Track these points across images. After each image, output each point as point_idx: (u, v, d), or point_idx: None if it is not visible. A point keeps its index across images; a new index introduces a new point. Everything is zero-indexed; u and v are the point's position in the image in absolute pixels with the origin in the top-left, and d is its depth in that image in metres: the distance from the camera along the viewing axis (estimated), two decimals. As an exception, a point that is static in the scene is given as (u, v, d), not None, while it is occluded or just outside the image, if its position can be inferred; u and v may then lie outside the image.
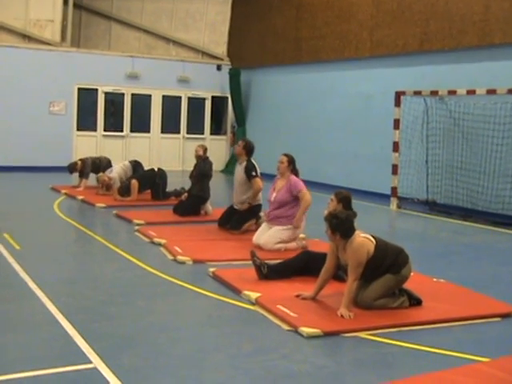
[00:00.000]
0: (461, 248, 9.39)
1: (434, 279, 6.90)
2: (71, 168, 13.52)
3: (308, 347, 4.91)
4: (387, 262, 5.70)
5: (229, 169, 19.16)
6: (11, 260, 7.22)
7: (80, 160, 13.63)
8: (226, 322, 5.52)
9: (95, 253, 8.25)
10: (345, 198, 6.65)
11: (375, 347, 4.95)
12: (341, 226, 5.65)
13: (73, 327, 5.09)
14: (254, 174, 9.05)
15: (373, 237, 5.77)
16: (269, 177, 17.26)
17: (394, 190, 12.90)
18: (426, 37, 13.09)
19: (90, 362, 4.40)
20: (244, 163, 9.19)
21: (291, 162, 8.39)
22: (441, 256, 8.76)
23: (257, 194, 9.08)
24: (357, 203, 12.88)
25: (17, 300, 5.86)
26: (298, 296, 5.93)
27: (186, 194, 10.64)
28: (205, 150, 10.94)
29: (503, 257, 8.79)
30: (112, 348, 4.71)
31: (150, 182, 11.99)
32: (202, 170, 10.49)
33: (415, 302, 5.85)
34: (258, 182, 9.03)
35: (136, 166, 12.61)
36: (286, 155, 8.46)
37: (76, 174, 13.63)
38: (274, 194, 8.31)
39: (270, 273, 6.52)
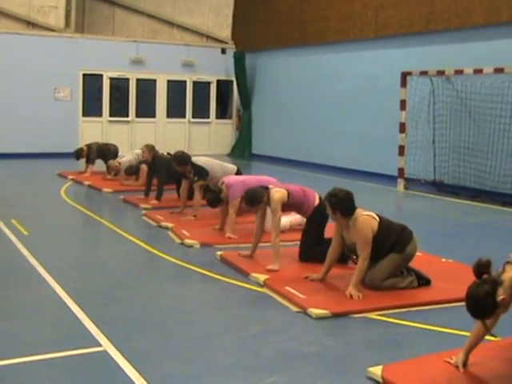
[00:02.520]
0: (469, 228, 9.36)
1: (443, 259, 6.88)
2: (77, 154, 13.53)
3: (317, 328, 4.91)
4: (391, 239, 5.68)
5: (234, 152, 19.17)
6: (19, 245, 7.24)
7: (86, 146, 13.63)
8: (235, 304, 5.52)
9: (103, 237, 8.27)
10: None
11: (384, 327, 4.95)
12: (340, 204, 5.62)
13: (82, 311, 5.10)
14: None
15: (376, 214, 5.75)
16: (274, 159, 17.35)
17: (400, 171, 12.86)
18: (431, 16, 12.97)
19: (100, 346, 4.42)
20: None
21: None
22: (449, 236, 8.73)
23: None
24: (364, 185, 13.08)
25: (26, 285, 5.88)
26: (306, 278, 5.94)
27: None
28: (149, 149, 10.72)
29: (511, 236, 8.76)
30: (121, 331, 4.72)
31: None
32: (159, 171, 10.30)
33: (424, 281, 5.84)
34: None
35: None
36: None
37: (83, 160, 13.63)
38: None
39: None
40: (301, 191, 6.84)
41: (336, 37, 15.60)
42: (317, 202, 6.79)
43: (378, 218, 5.68)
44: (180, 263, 6.72)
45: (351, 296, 5.40)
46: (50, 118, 17.18)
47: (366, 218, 5.63)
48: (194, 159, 9.22)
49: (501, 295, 3.69)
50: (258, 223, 6.74)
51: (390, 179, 13.16)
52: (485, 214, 10.47)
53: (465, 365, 4.00)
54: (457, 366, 4.00)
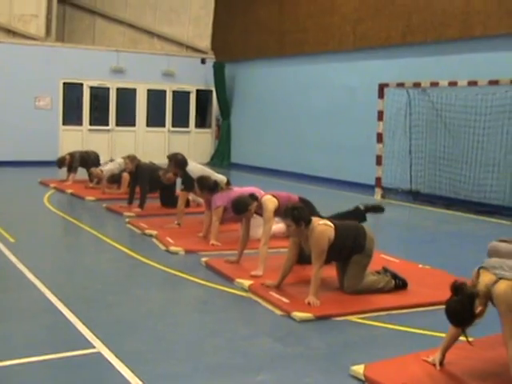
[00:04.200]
0: (445, 236, 9.65)
1: (420, 265, 7.14)
2: (60, 162, 13.63)
3: (301, 330, 5.13)
4: (349, 242, 5.90)
5: (214, 161, 19.36)
6: (7, 252, 7.36)
7: (69, 154, 13.73)
8: (221, 308, 5.72)
9: (89, 244, 8.41)
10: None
11: (365, 329, 5.19)
12: (303, 214, 5.79)
13: (73, 315, 5.26)
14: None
15: (330, 221, 5.98)
16: (253, 169, 17.58)
17: (378, 180, 13.16)
18: (408, 29, 13.33)
19: (94, 347, 4.59)
20: None
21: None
22: (425, 243, 9.01)
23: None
24: (342, 193, 13.36)
25: (17, 290, 6.02)
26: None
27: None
28: (131, 160, 10.85)
29: (485, 244, 9.02)
30: (113, 334, 4.89)
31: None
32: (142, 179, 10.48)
33: (400, 282, 6.10)
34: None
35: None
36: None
37: (64, 169, 13.72)
38: None
39: None
40: (286, 196, 7.09)
41: (314, 48, 15.91)
42: None
43: (332, 225, 5.89)
44: (166, 269, 6.89)
45: (309, 304, 5.52)
46: (31, 127, 17.23)
47: (323, 228, 5.79)
48: (190, 167, 9.38)
49: (478, 307, 3.93)
50: (244, 231, 6.95)
51: (368, 188, 13.44)
52: (460, 222, 10.79)
53: (441, 363, 4.25)
54: (434, 365, 4.24)
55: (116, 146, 18.37)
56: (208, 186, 8.22)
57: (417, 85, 12.47)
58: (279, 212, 6.80)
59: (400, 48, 13.62)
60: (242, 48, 18.60)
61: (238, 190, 8.42)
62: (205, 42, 19.97)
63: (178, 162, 9.42)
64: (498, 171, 11.50)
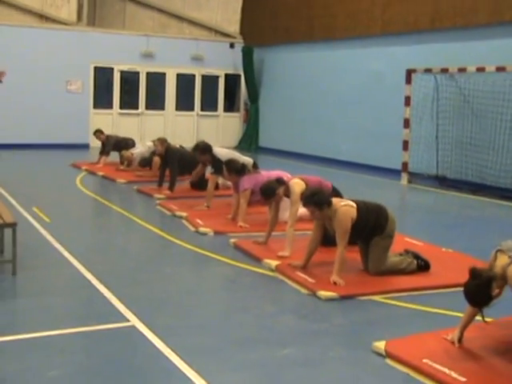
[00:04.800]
0: (469, 221, 9.75)
1: (443, 249, 7.29)
2: (97, 132, 13.97)
3: (326, 309, 5.34)
4: (370, 222, 6.07)
5: (241, 145, 19.56)
6: (43, 232, 7.66)
7: (106, 135, 13.98)
8: (249, 286, 5.95)
9: (120, 225, 8.68)
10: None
11: (387, 309, 5.38)
12: (322, 198, 6.00)
13: (108, 290, 5.53)
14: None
15: (353, 201, 6.16)
16: (280, 153, 17.73)
17: (404, 165, 13.25)
18: (436, 15, 13.33)
19: (128, 321, 4.85)
20: None
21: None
22: (450, 228, 9.14)
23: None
24: (368, 178, 13.49)
25: (55, 267, 6.30)
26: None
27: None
28: (161, 142, 11.13)
29: (510, 229, 9.14)
30: (146, 309, 5.14)
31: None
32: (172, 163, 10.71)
33: (422, 262, 6.27)
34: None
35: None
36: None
37: (97, 151, 14.02)
38: None
39: None
40: (317, 181, 7.28)
41: (343, 33, 15.97)
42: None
43: (355, 205, 6.07)
44: (195, 249, 7.14)
45: (335, 283, 5.72)
46: (62, 110, 17.58)
47: (346, 208, 5.98)
48: (216, 151, 9.62)
49: (496, 289, 4.10)
50: (273, 213, 7.17)
51: (394, 173, 13.55)
52: (485, 207, 10.87)
53: (460, 341, 4.42)
54: (453, 342, 4.42)
55: (146, 129, 18.65)
56: (235, 169, 8.45)
57: (444, 70, 12.50)
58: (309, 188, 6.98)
59: (428, 33, 13.63)
60: (271, 32, 18.70)
61: (266, 174, 8.62)
62: (233, 27, 20.10)
63: (202, 149, 9.63)
64: (525, 157, 11.54)
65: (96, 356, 4.25)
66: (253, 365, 4.18)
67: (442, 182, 13.00)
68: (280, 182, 7.16)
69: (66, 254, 6.69)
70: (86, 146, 17.72)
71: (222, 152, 9.74)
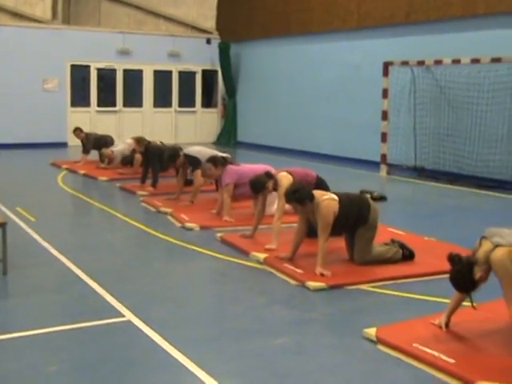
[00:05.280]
0: (448, 210, 9.95)
1: (426, 238, 7.45)
2: (76, 130, 13.99)
3: (315, 299, 5.47)
4: (353, 214, 6.21)
5: (220, 140, 19.64)
6: (30, 231, 7.69)
7: (85, 133, 13.96)
8: (239, 279, 6.05)
9: (106, 222, 8.72)
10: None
11: (375, 297, 5.52)
12: (303, 194, 6.12)
13: (100, 287, 5.60)
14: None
15: (335, 194, 6.30)
16: (259, 147, 17.84)
17: (383, 157, 13.45)
18: (411, 8, 13.52)
19: (123, 316, 4.93)
20: None
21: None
22: (430, 217, 9.32)
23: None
24: (347, 170, 13.65)
25: (44, 265, 6.35)
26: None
27: None
28: (138, 141, 11.46)
29: (489, 217, 9.34)
30: (140, 304, 5.22)
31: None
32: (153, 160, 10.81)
33: (408, 252, 6.44)
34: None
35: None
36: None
37: (75, 150, 14.00)
38: None
39: None
40: (303, 173, 7.42)
41: (319, 27, 16.10)
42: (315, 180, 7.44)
43: (337, 199, 6.20)
44: (183, 244, 7.22)
45: (322, 274, 5.85)
46: (39, 109, 17.50)
47: (327, 202, 6.10)
48: (187, 150, 9.72)
49: (477, 273, 4.26)
50: (260, 207, 7.27)
51: (373, 165, 13.74)
52: (463, 196, 11.09)
53: (447, 325, 4.58)
54: (440, 327, 4.57)
55: (124, 126, 18.63)
56: (220, 162, 8.55)
57: (421, 63, 12.70)
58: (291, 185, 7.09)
59: (404, 27, 13.81)
60: (247, 28, 18.78)
61: (248, 167, 8.71)
62: (210, 23, 20.14)
63: (170, 156, 9.73)
64: (501, 146, 11.77)
65: (94, 351, 4.32)
66: (249, 354, 4.29)
67: (421, 172, 13.22)
68: (269, 175, 7.27)
69: (55, 252, 6.73)
70: (64, 145, 17.68)
71: (194, 149, 9.82)
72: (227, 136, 19.74)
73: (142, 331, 4.63)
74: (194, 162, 9.55)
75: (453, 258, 4.45)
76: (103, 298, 5.34)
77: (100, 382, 3.89)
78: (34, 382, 3.89)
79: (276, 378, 3.96)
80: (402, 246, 6.46)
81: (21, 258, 6.45)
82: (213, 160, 8.67)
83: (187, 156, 9.64)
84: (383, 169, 13.41)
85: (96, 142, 13.63)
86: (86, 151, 13.71)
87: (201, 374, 3.93)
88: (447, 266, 6.16)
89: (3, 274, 5.92)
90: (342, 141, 15.46)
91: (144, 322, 4.78)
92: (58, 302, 5.31)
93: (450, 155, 12.75)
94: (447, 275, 5.97)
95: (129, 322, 4.82)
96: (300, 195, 6.09)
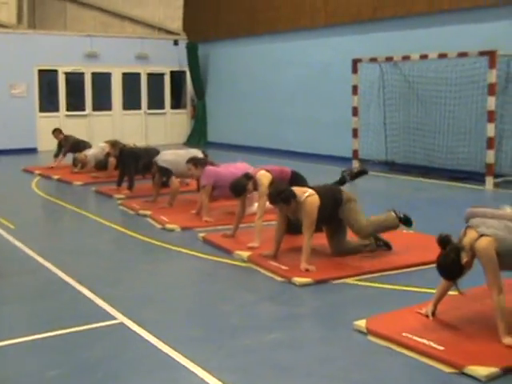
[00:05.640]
0: (422, 203, 10.15)
1: (404, 231, 7.61)
2: (55, 132, 13.98)
3: (302, 294, 5.59)
4: (330, 200, 6.38)
5: (190, 141, 19.67)
6: (11, 238, 7.67)
7: (64, 135, 13.89)
8: (225, 278, 6.14)
9: (87, 227, 8.71)
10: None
11: (361, 290, 5.66)
12: (287, 194, 6.23)
13: (89, 291, 5.64)
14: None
15: (311, 188, 6.45)
16: (230, 146, 17.91)
17: (355, 152, 13.64)
18: (378, 4, 13.74)
19: (116, 319, 4.97)
20: None
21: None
22: (404, 211, 9.45)
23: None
24: (320, 167, 13.79)
25: (30, 272, 6.35)
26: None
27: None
28: (113, 145, 11.68)
29: (461, 208, 9.47)
30: (130, 306, 5.27)
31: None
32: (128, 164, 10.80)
33: (382, 243, 6.69)
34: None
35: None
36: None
37: (45, 155, 13.89)
38: None
39: None
40: (278, 170, 7.55)
41: (287, 25, 16.24)
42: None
43: (314, 192, 6.32)
44: (166, 246, 7.28)
45: (307, 270, 5.96)
46: (7, 115, 17.33)
47: (311, 199, 6.22)
48: (158, 158, 9.65)
49: (464, 259, 4.41)
50: (240, 207, 7.36)
51: (345, 161, 13.90)
52: (435, 189, 11.32)
53: (433, 314, 4.73)
54: (427, 316, 4.72)
55: (94, 130, 18.53)
56: (200, 162, 8.64)
57: (389, 59, 12.91)
58: (272, 184, 7.19)
59: (371, 23, 14.03)
60: (214, 28, 18.85)
61: (226, 167, 8.78)
62: (176, 23, 20.15)
63: (144, 167, 9.75)
64: (470, 139, 12.04)
65: (92, 354, 4.36)
66: (244, 350, 4.38)
67: (392, 166, 13.45)
68: (248, 176, 7.36)
69: (39, 259, 6.74)
70: (33, 150, 17.56)
71: (167, 157, 9.75)
72: (197, 137, 19.78)
73: (136, 333, 4.69)
74: (166, 171, 9.56)
75: (443, 239, 4.56)
76: (93, 302, 5.38)
77: (103, 383, 3.93)
78: (35, 386, 3.92)
79: (275, 371, 4.05)
80: (377, 239, 6.65)
81: (5, 265, 6.45)
82: (193, 161, 8.74)
83: (159, 166, 9.62)
84: (355, 164, 13.59)
85: (74, 145, 13.55)
86: (63, 153, 13.62)
87: (200, 372, 4.00)
88: (428, 257, 6.36)
89: (-11, 282, 5.93)
90: (313, 138, 15.62)
91: (137, 323, 4.84)
92: (48, 307, 5.33)
93: (421, 149, 13.00)
94: (429, 266, 6.19)
95: (122, 324, 4.87)
96: (285, 195, 6.19)
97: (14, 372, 4.11)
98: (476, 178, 11.66)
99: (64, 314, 5.18)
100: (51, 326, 4.80)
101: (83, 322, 4.89)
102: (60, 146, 13.79)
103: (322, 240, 6.68)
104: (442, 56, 11.81)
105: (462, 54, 11.47)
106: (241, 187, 7.26)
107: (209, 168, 8.67)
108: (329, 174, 12.80)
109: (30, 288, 5.87)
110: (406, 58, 12.54)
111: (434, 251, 6.52)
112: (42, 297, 5.62)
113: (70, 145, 13.60)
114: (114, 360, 4.27)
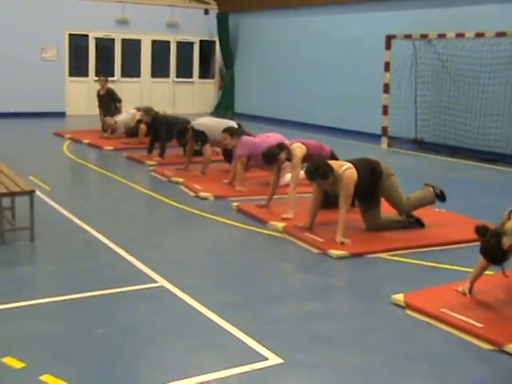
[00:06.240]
0: (452, 182, 10.10)
1: (436, 209, 7.64)
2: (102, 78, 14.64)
3: (338, 266, 5.66)
4: (368, 173, 6.41)
5: (217, 111, 19.67)
6: (48, 199, 7.79)
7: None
8: (261, 247, 6.22)
9: (120, 191, 8.78)
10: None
11: (396, 265, 5.72)
12: (325, 169, 6.23)
13: (128, 254, 5.74)
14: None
15: (349, 161, 6.45)
16: (257, 118, 17.91)
17: (384, 129, 13.60)
18: (415, -19, 13.59)
19: (156, 282, 5.08)
20: None
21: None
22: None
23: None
24: (348, 142, 13.78)
25: (70, 233, 6.47)
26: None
27: None
28: (146, 112, 11.60)
29: (493, 190, 9.55)
30: (170, 270, 5.37)
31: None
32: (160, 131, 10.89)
33: (414, 220, 6.76)
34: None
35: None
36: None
37: (72, 120, 14.01)
38: None
39: None
40: (318, 145, 7.57)
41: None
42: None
43: (352, 166, 6.34)
44: (201, 213, 7.37)
45: (342, 243, 6.02)
46: (37, 78, 17.44)
47: (349, 172, 6.25)
48: (195, 123, 9.72)
49: (506, 244, 4.44)
50: (275, 177, 7.42)
51: (374, 137, 13.89)
52: (466, 169, 11.28)
53: (470, 292, 4.78)
54: (464, 293, 4.77)
55: (122, 96, 18.33)
56: (236, 132, 8.70)
57: (424, 36, 12.80)
58: (308, 158, 7.22)
59: (407, 0, 13.87)
60: (246, -2, 18.74)
61: (263, 137, 8.80)
62: (208, -8, 20.05)
63: (179, 132, 9.75)
64: (502, 120, 11.96)
65: (135, 315, 4.47)
66: (285, 318, 4.46)
67: (421, 145, 13.40)
68: (281, 146, 7.40)
69: (77, 221, 6.86)
70: (62, 114, 17.68)
71: (203, 121, 9.83)
72: (224, 107, 19.78)
73: (178, 296, 4.79)
74: (201, 136, 9.60)
75: (479, 230, 4.63)
76: (133, 264, 5.49)
77: (149, 343, 4.03)
78: (89, 342, 4.02)
79: (315, 340, 4.13)
80: (409, 215, 6.72)
81: (45, 226, 6.54)
82: (229, 130, 8.79)
83: (195, 130, 9.67)
84: (384, 141, 13.58)
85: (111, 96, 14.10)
86: (117, 100, 14.19)
87: (243, 337, 4.09)
88: (461, 236, 6.42)
89: (31, 240, 6.05)
90: (342, 113, 15.57)
91: (177, 287, 4.94)
92: (89, 268, 5.44)
93: (451, 128, 12.92)
94: (462, 245, 6.24)
95: (162, 287, 4.97)
96: (323, 171, 6.22)
97: (64, 328, 4.22)
98: (507, 160, 11.61)
99: (104, 275, 5.29)
100: (91, 287, 4.92)
101: (124, 284, 5.01)
102: (102, 96, 14.17)
103: (355, 215, 6.73)
104: (479, 35, 11.69)
105: (501, 34, 11.34)
106: (272, 155, 7.31)
107: (245, 138, 8.71)
108: (357, 150, 12.88)
109: (70, 249, 5.99)
110: (441, 35, 12.42)
111: (466, 230, 6.58)
112: (81, 258, 5.73)
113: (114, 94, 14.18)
114: (158, 322, 4.37)
